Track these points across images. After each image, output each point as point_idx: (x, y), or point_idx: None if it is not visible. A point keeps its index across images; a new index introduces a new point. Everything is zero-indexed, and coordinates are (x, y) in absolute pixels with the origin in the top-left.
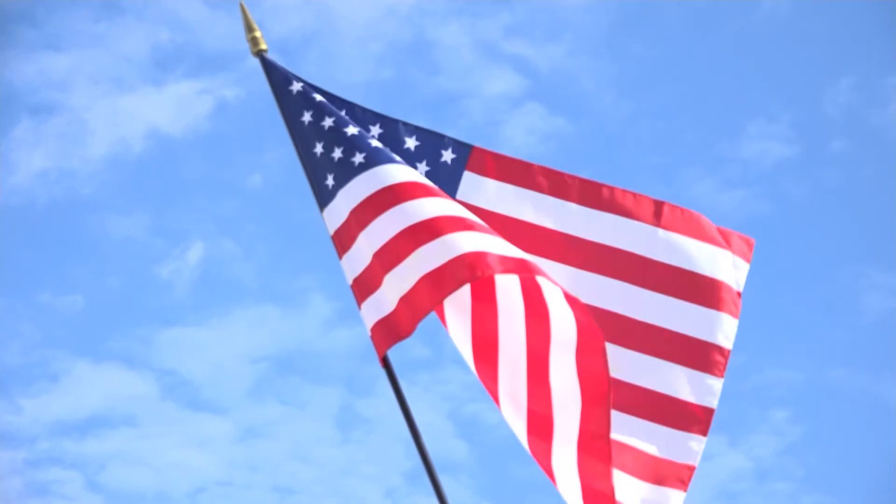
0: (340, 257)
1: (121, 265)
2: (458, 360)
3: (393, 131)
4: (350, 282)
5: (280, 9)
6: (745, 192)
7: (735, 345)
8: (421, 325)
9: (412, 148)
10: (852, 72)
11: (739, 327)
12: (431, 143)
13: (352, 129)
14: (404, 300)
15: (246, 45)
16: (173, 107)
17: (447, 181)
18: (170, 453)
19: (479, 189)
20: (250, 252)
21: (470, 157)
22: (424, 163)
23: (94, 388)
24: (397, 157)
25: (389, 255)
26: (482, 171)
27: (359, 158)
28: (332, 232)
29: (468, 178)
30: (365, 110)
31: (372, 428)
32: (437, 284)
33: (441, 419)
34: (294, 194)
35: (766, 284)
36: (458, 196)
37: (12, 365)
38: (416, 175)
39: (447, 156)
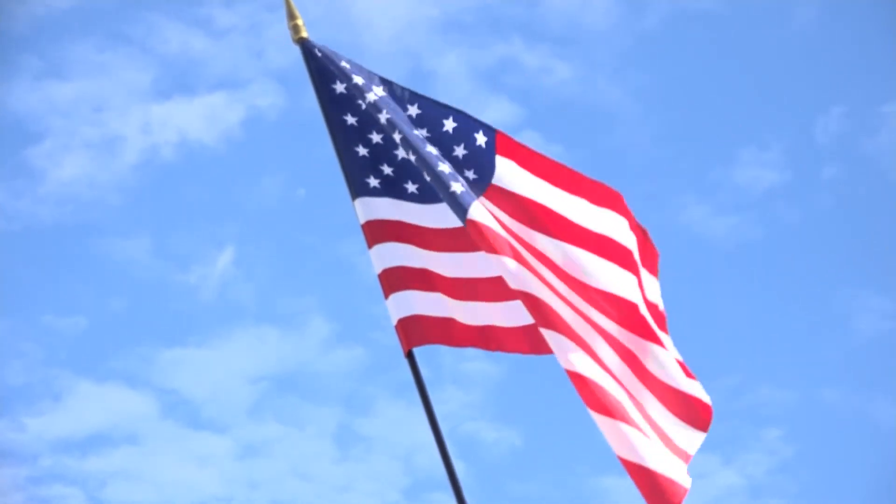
0: (370, 247)
1: (123, 286)
2: (457, 380)
3: (431, 111)
4: (378, 271)
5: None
6: (738, 218)
7: (729, 365)
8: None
9: (450, 130)
10: (843, 100)
11: (734, 349)
12: (465, 125)
13: (402, 153)
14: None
15: (247, 72)
16: (175, 131)
17: (485, 165)
18: (170, 471)
19: (512, 175)
20: (250, 273)
21: (497, 141)
22: (462, 146)
23: (96, 407)
24: (444, 196)
25: (459, 289)
26: (510, 157)
27: (411, 188)
28: (363, 221)
29: (500, 162)
30: (403, 89)
31: (370, 446)
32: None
33: None
34: (295, 216)
35: (759, 306)
36: (495, 181)
37: (16, 384)
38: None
39: (480, 139)
